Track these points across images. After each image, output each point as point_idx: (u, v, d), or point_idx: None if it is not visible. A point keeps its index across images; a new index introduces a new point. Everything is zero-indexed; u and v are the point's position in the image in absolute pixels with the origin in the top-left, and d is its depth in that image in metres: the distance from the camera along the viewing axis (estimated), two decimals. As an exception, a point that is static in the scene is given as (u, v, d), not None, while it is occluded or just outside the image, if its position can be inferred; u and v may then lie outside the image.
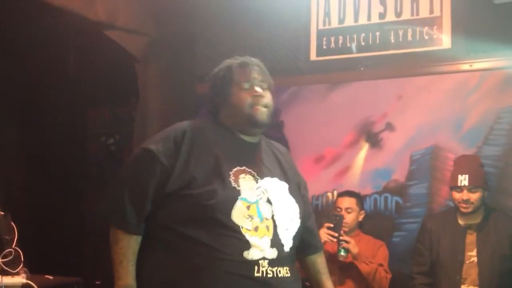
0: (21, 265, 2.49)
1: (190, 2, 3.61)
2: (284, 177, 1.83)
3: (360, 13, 3.67)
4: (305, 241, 1.89)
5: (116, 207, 1.69)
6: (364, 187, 3.52)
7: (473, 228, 2.93)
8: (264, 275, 1.61)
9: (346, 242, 3.05)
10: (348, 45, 3.67)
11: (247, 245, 1.61)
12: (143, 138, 2.34)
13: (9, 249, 2.45)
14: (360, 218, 3.29)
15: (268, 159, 1.83)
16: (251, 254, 1.61)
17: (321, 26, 3.74)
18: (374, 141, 3.59)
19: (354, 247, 3.04)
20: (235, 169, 1.69)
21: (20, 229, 2.60)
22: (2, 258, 2.44)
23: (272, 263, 1.64)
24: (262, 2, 3.66)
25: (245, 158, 1.75)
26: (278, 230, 1.70)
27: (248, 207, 1.65)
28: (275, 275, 1.64)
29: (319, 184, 3.69)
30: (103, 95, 4.02)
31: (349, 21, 3.69)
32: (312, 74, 3.76)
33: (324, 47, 3.72)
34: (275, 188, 1.77)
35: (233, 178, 1.67)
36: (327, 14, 3.75)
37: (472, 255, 2.90)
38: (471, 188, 2.88)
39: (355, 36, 3.65)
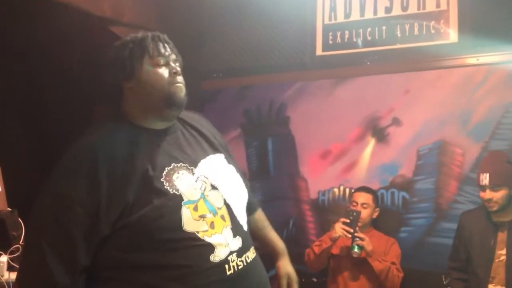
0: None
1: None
2: (214, 147, 1.62)
3: (366, 7, 3.65)
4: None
5: (39, 272, 1.35)
6: (371, 183, 3.50)
7: (506, 226, 2.85)
8: (236, 269, 1.45)
9: (361, 239, 3.04)
10: (354, 40, 3.66)
11: (210, 248, 1.42)
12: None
13: (16, 245, 2.45)
14: (375, 215, 3.29)
15: (191, 138, 1.59)
16: (217, 255, 1.43)
17: (327, 21, 3.73)
18: (381, 136, 3.57)
19: (368, 244, 3.04)
20: (165, 172, 1.43)
21: (27, 225, 2.59)
22: (9, 254, 2.43)
23: (239, 253, 1.48)
24: (269, 1, 3.65)
25: (169, 153, 1.49)
26: (235, 212, 1.53)
27: (195, 208, 1.43)
28: (245, 263, 1.49)
29: (326, 179, 3.68)
30: (108, 92, 4.00)
31: (355, 16, 3.67)
32: (318, 69, 3.73)
33: (330, 42, 3.70)
34: (213, 167, 1.55)
35: (167, 184, 1.42)
36: (332, 8, 3.73)
37: (502, 253, 2.82)
38: (493, 187, 2.81)
39: (361, 30, 3.64)
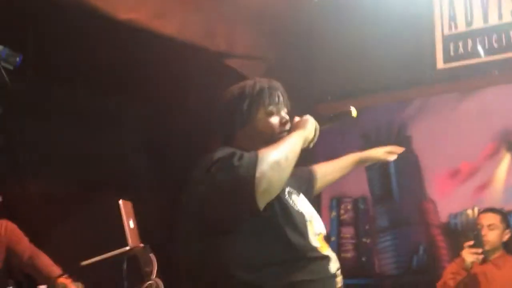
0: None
1: (306, 23, 3.57)
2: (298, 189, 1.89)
3: (490, 12, 3.40)
4: None
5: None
6: (509, 202, 3.21)
7: None
8: None
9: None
10: (478, 48, 3.41)
11: None
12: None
13: (149, 282, 2.51)
14: (505, 237, 3.01)
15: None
16: None
17: (446, 31, 3.52)
18: (518, 151, 3.29)
19: None
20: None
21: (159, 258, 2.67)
22: (144, 290, 2.50)
23: None
24: (379, 15, 3.53)
25: None
26: None
27: None
28: None
29: (456, 201, 3.47)
30: (221, 133, 4.08)
31: (477, 23, 3.42)
32: (439, 83, 3.55)
33: (452, 53, 3.49)
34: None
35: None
36: (452, 18, 3.51)
37: None
38: None
39: (485, 38, 3.38)
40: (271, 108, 1.65)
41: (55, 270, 2.70)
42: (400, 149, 2.15)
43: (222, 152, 1.53)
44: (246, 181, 1.42)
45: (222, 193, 1.46)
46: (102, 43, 2.83)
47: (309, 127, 1.61)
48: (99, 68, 3.02)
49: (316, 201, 2.23)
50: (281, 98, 1.68)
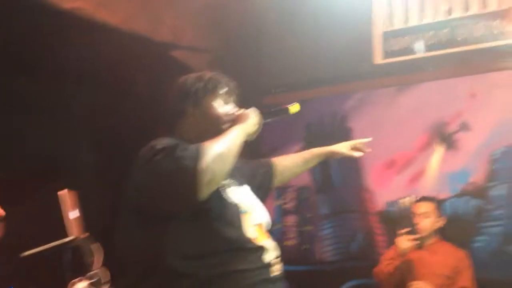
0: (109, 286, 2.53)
1: (254, 16, 3.62)
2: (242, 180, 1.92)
3: (425, 11, 3.56)
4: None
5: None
6: (441, 191, 3.39)
7: None
8: None
9: None
10: (414, 45, 3.57)
11: None
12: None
13: (94, 271, 2.49)
14: (439, 224, 3.16)
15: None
16: None
17: (384, 28, 3.65)
18: (449, 142, 3.46)
19: None
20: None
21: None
22: (89, 280, 2.49)
23: None
24: (323, 12, 3.63)
25: None
26: None
27: None
28: None
29: (392, 190, 3.60)
30: (170, 112, 4.07)
31: (414, 21, 3.58)
32: (378, 78, 3.68)
33: (389, 49, 3.63)
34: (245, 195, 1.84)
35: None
36: (389, 15, 3.66)
37: None
38: None
39: (421, 35, 3.54)
40: (222, 98, 1.69)
41: None
42: (365, 142, 2.14)
43: (165, 142, 1.54)
44: (191, 171, 1.45)
45: (166, 183, 1.48)
46: (46, 32, 2.78)
47: (250, 122, 1.66)
48: (43, 56, 2.96)
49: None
50: (233, 94, 1.73)
